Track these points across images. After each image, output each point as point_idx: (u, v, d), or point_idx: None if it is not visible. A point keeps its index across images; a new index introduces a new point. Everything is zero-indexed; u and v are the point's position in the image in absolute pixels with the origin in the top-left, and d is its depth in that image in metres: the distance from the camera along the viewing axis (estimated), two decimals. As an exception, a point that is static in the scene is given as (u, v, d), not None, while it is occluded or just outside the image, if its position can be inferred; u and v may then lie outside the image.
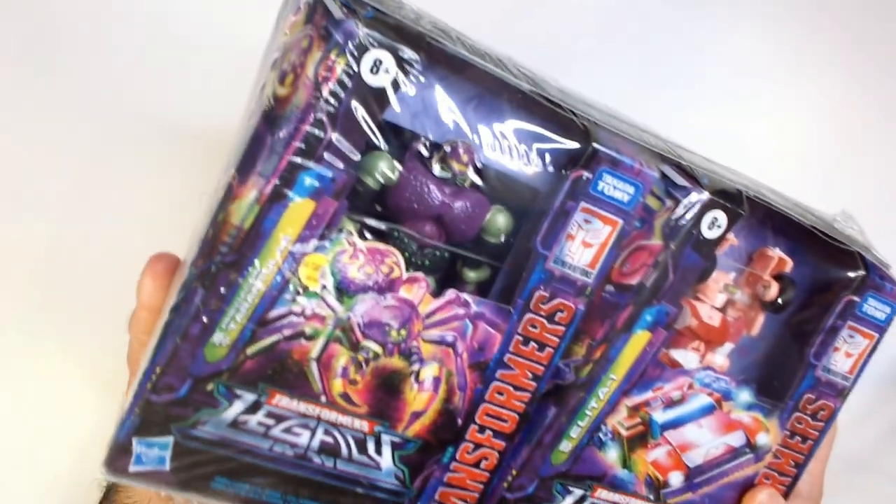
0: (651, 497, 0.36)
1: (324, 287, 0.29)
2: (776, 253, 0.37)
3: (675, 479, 0.36)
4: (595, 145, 0.30)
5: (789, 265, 0.37)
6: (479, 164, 0.31)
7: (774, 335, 0.38)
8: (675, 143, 0.36)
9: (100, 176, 0.48)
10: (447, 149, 0.30)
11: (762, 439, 0.37)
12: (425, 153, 0.31)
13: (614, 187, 0.30)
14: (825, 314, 0.36)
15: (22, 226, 0.48)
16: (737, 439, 0.37)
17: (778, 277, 0.37)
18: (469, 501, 0.33)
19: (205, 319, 0.27)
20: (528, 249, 0.31)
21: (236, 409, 0.29)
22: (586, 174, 0.30)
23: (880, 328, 0.36)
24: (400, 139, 0.32)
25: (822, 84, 0.50)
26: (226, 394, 0.29)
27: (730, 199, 0.32)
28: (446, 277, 0.34)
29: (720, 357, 0.37)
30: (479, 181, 0.31)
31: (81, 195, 0.48)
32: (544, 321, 0.31)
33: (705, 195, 0.31)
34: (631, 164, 0.30)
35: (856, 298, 0.35)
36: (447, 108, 0.29)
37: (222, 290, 0.27)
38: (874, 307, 0.36)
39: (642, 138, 0.33)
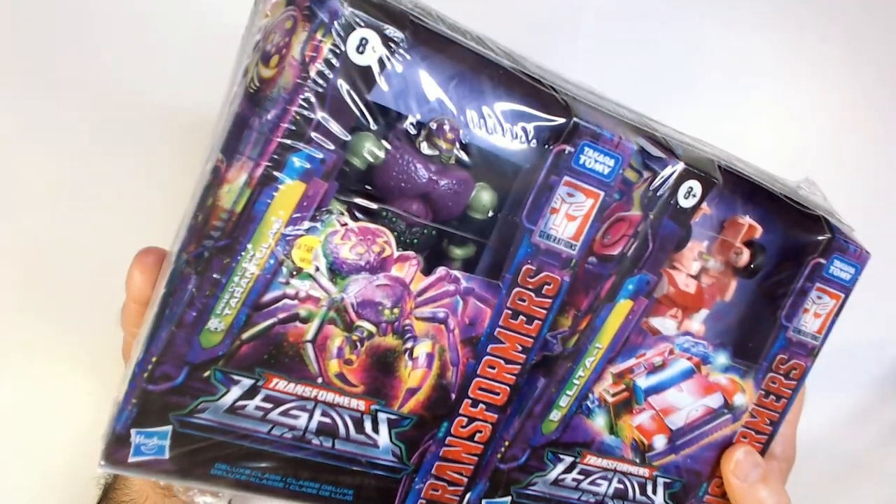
0: (637, 460, 0.37)
1: (317, 268, 0.29)
2: (746, 220, 0.38)
3: (659, 442, 0.38)
4: (576, 119, 0.30)
5: (759, 232, 0.38)
6: (463, 141, 0.31)
7: (747, 300, 0.39)
8: (648, 116, 0.37)
9: (93, 171, 0.47)
10: (433, 126, 0.31)
11: (739, 399, 0.39)
12: (411, 132, 0.32)
13: (595, 160, 0.31)
14: (794, 277, 0.37)
15: (12, 222, 0.47)
16: (715, 401, 0.38)
17: (749, 244, 0.39)
18: (464, 474, 0.34)
19: (199, 305, 0.27)
20: (514, 224, 0.31)
21: (234, 394, 0.29)
22: (569, 148, 0.31)
23: (846, 288, 0.38)
24: (386, 118, 0.32)
25: (823, 82, 0.50)
26: (223, 380, 0.29)
27: (704, 168, 0.33)
28: (433, 255, 0.34)
29: (696, 323, 0.39)
30: (464, 157, 0.31)
31: (74, 188, 0.47)
32: (532, 294, 0.32)
33: (680, 165, 0.33)
34: (611, 136, 0.31)
35: (822, 261, 0.37)
36: (431, 86, 0.30)
37: (216, 275, 0.27)
38: (840, 268, 0.37)
39: (618, 112, 0.34)
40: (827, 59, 0.50)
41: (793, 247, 0.38)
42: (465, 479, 0.34)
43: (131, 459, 0.28)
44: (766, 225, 0.38)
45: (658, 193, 0.33)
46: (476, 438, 0.34)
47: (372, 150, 0.30)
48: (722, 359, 0.38)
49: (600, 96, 0.36)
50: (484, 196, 0.33)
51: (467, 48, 0.30)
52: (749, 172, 0.36)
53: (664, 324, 0.38)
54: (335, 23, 0.26)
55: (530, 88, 0.31)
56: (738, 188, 0.37)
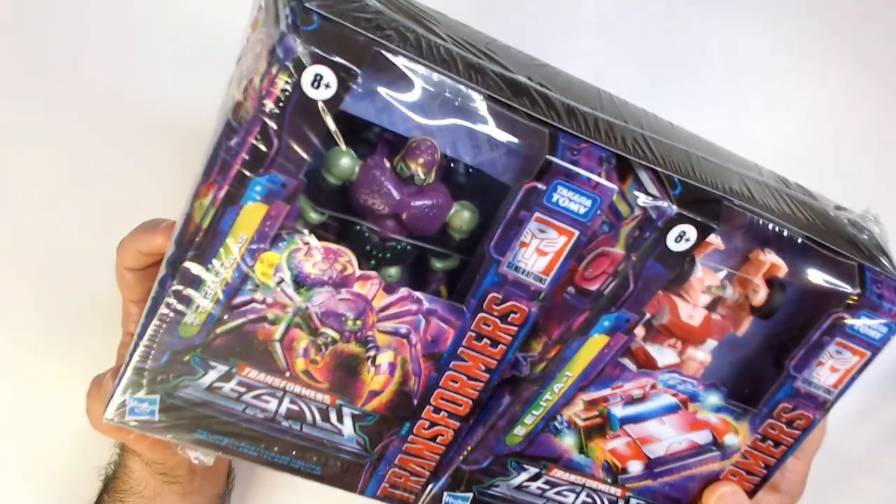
0: (608, 480, 0.38)
1: (281, 280, 0.31)
2: (768, 258, 0.35)
3: (635, 466, 0.37)
4: (550, 158, 0.29)
5: (783, 271, 0.35)
6: (440, 162, 0.31)
7: (757, 340, 0.36)
8: (665, 123, 0.35)
9: (93, 171, 0.48)
10: (407, 148, 0.31)
11: (730, 440, 0.37)
12: (386, 151, 0.32)
13: (570, 199, 0.30)
14: (810, 328, 0.34)
15: (12, 222, 0.49)
16: (703, 437, 0.37)
17: (770, 281, 0.36)
18: (426, 468, 0.36)
19: (175, 303, 0.31)
20: (482, 252, 0.31)
21: (211, 377, 0.33)
22: (540, 186, 0.29)
23: (874, 346, 0.34)
24: (365, 135, 0.32)
25: (824, 81, 0.48)
26: (201, 363, 0.33)
27: (704, 210, 0.31)
28: (414, 266, 0.35)
29: (702, 353, 0.37)
30: (436, 179, 0.31)
31: (73, 188, 0.49)
32: (497, 321, 0.32)
33: (672, 209, 0.30)
34: (588, 178, 0.29)
35: (846, 316, 0.33)
36: (404, 108, 0.30)
37: (189, 279, 0.30)
38: (868, 325, 0.33)
39: (621, 133, 0.31)
40: (827, 60, 0.48)
41: (814, 294, 0.34)
42: (428, 473, 0.36)
43: (128, 417, 0.33)
44: (791, 264, 0.35)
45: (645, 235, 0.31)
46: (438, 440, 0.35)
47: (342, 169, 0.30)
48: (714, 398, 0.36)
49: (607, 101, 0.33)
50: (463, 216, 0.33)
51: (438, 72, 0.29)
52: (772, 209, 0.33)
53: (662, 353, 0.37)
54: (289, 59, 0.26)
55: (508, 119, 0.29)
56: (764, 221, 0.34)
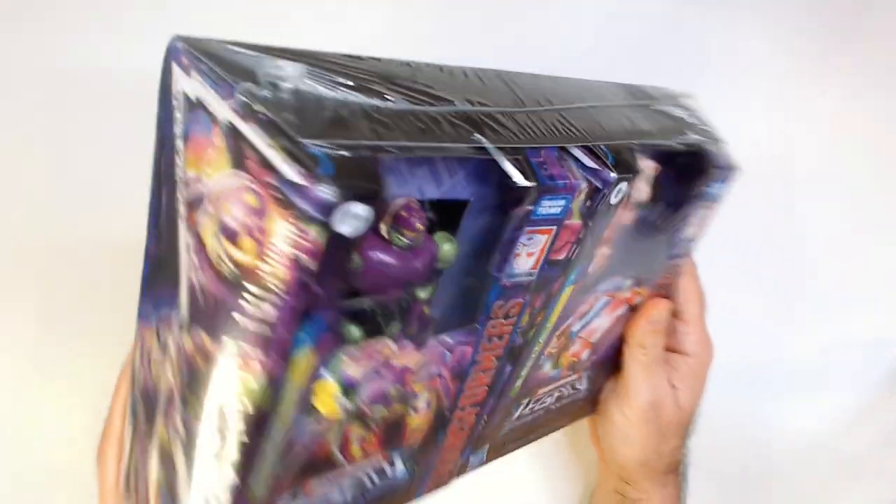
0: (570, 373, 0.46)
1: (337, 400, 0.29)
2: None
3: (585, 354, 0.46)
4: (539, 183, 0.31)
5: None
6: (428, 216, 0.31)
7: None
8: (540, 81, 0.37)
9: (95, 171, 0.46)
10: (394, 215, 0.30)
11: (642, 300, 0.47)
12: (379, 227, 0.30)
13: (550, 207, 0.33)
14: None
15: (12, 222, 0.47)
16: (622, 309, 0.46)
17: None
18: (456, 451, 0.40)
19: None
20: (485, 274, 0.33)
21: (281, 512, 0.31)
22: (528, 207, 0.32)
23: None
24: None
25: (824, 81, 0.48)
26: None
27: (628, 164, 0.36)
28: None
29: (606, 249, 0.45)
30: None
31: (74, 188, 0.46)
32: (501, 320, 0.35)
33: (613, 176, 0.35)
34: (563, 184, 0.32)
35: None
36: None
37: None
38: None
39: (549, 120, 0.34)
40: (827, 60, 0.48)
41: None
42: (458, 455, 0.41)
43: None
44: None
45: (595, 204, 0.35)
46: (464, 429, 0.39)
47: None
48: (627, 283, 0.45)
49: (505, 84, 0.35)
50: (446, 248, 0.33)
51: (431, 148, 0.28)
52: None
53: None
54: (318, 212, 0.23)
55: (486, 165, 0.30)
56: None
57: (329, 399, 0.29)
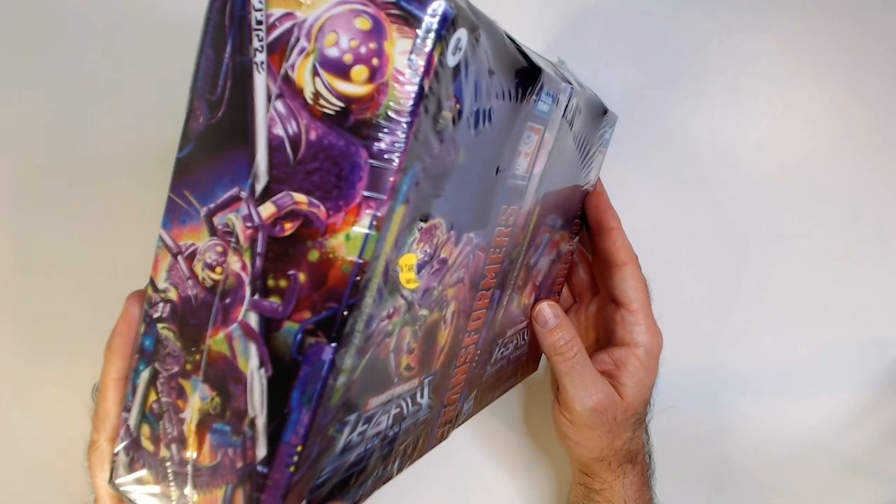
0: (523, 318, 0.47)
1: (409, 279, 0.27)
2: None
3: (532, 298, 0.47)
4: (538, 66, 0.33)
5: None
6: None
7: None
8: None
9: (95, 171, 0.46)
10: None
11: (564, 247, 0.50)
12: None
13: (543, 101, 0.35)
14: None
15: (12, 222, 0.47)
16: (554, 254, 0.49)
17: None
18: (458, 391, 0.38)
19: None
20: (496, 172, 0.34)
21: (345, 435, 0.27)
22: (535, 97, 0.33)
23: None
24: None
25: (824, 81, 0.48)
26: (339, 427, 0.26)
27: (572, 84, 0.40)
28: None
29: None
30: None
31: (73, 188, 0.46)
32: (503, 228, 0.36)
33: (571, 87, 0.38)
34: (555, 78, 0.35)
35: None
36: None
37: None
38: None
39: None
40: (827, 60, 0.48)
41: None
42: (460, 395, 0.39)
43: None
44: None
45: (562, 115, 0.38)
46: (466, 361, 0.38)
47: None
48: (559, 223, 0.48)
49: None
50: None
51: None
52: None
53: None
54: (444, 29, 0.23)
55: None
56: None
57: (410, 273, 0.27)
